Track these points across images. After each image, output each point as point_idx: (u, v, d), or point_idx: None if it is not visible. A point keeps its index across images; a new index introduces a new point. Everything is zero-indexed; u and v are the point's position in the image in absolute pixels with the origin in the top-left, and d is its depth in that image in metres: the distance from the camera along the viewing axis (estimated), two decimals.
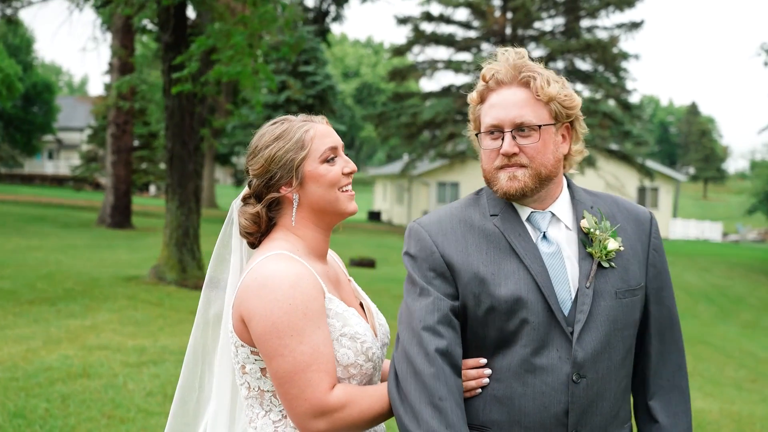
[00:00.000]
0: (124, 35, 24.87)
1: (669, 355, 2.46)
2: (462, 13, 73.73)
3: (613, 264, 2.36)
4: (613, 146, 32.77)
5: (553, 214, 2.41)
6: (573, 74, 32.91)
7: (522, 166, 2.33)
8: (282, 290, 2.26)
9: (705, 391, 9.85)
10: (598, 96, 33.02)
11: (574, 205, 2.44)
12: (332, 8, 43.35)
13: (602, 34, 33.51)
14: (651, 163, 37.43)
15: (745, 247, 44.38)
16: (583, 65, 33.32)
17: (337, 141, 2.48)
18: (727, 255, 34.98)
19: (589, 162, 30.56)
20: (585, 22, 34.04)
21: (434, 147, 34.44)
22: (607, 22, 76.79)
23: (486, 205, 2.46)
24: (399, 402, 2.27)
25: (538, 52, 34.04)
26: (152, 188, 59.62)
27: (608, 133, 31.50)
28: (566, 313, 2.31)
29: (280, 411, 2.38)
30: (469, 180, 39.88)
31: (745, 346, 14.55)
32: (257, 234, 2.48)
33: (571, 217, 2.43)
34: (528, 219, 2.41)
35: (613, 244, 2.36)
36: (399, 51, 35.92)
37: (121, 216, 25.97)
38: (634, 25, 33.11)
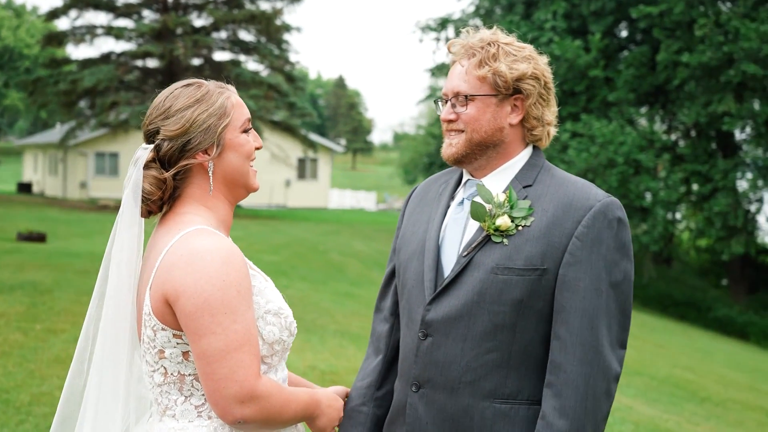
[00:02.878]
0: None
1: (572, 347, 2.38)
2: None
3: (505, 240, 2.44)
4: (276, 117, 33.47)
5: (483, 187, 2.55)
6: (237, 45, 32.93)
7: (459, 131, 2.53)
8: (214, 266, 2.17)
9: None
10: (263, 68, 33.36)
11: (512, 181, 2.56)
12: None
13: (265, 6, 33.85)
14: (312, 135, 38.66)
15: (388, 214, 47.54)
16: (247, 36, 33.45)
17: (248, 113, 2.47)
18: (385, 223, 37.29)
19: (258, 134, 30.78)
20: None
21: (96, 116, 32.80)
22: None
23: (452, 171, 2.73)
24: None
25: (201, 21, 33.71)
26: None
27: (273, 105, 32.00)
28: (444, 276, 2.51)
29: (202, 395, 2.28)
30: (130, 150, 38.42)
31: None
32: (158, 203, 2.33)
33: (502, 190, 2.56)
34: (466, 185, 2.62)
35: (503, 222, 2.44)
36: (54, 14, 33.54)
37: None
38: None
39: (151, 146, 2.32)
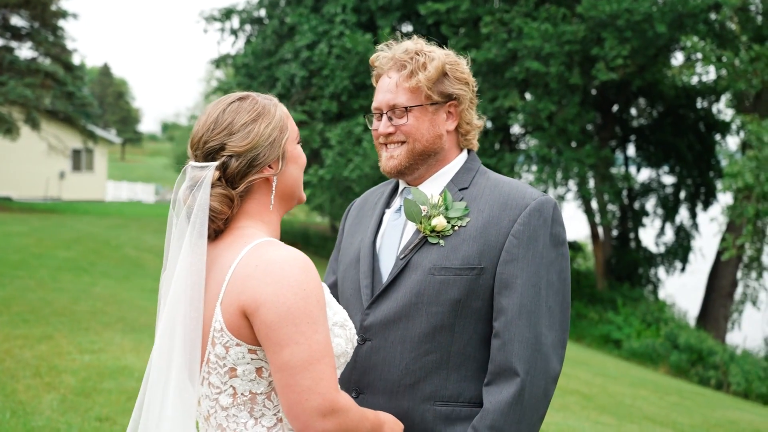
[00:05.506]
0: None
1: (509, 345, 2.38)
2: None
3: (442, 242, 2.46)
4: (49, 106, 31.70)
5: (418, 190, 2.59)
6: (8, 30, 30.82)
7: (401, 142, 2.56)
8: (294, 276, 2.11)
9: None
10: (37, 55, 31.45)
11: (448, 184, 2.59)
12: None
13: None
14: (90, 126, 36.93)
15: (167, 206, 46.22)
16: (20, 22, 31.38)
17: None
18: (167, 215, 36.27)
19: (33, 124, 29.09)
20: None
21: None
22: None
23: (388, 182, 2.78)
24: None
25: None
26: None
27: (51, 94, 30.29)
28: (383, 281, 2.54)
29: (274, 415, 2.19)
30: None
31: None
32: (225, 220, 2.26)
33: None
34: (402, 193, 2.66)
35: (438, 222, 2.46)
36: None
37: None
38: None
39: (215, 164, 2.23)
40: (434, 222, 2.47)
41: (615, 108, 27.75)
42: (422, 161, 2.57)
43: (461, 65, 2.60)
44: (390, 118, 2.56)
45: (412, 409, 2.45)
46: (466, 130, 2.62)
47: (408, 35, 2.71)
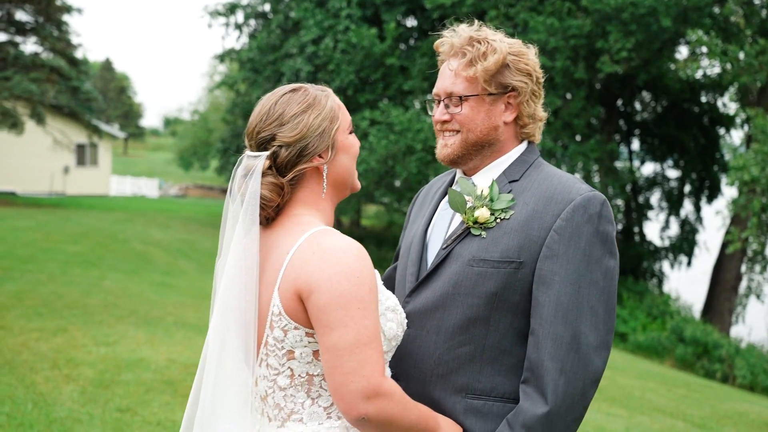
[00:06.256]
0: None
1: (543, 342, 2.34)
2: None
3: (484, 233, 2.43)
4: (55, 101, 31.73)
5: (471, 181, 2.58)
6: (13, 25, 30.83)
7: (456, 131, 2.53)
8: (348, 263, 2.18)
9: None
10: (42, 50, 31.47)
11: (499, 176, 2.56)
12: None
13: None
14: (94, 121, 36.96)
15: (171, 201, 46.50)
16: (24, 16, 31.39)
17: None
18: (171, 210, 36.43)
19: (39, 119, 29.13)
20: None
21: None
22: None
23: (451, 171, 2.75)
24: None
25: None
26: None
27: (56, 89, 30.32)
28: (426, 270, 2.54)
29: (330, 395, 2.27)
30: None
31: None
32: (275, 208, 2.34)
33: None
34: (457, 183, 2.64)
35: (481, 213, 2.44)
36: None
37: None
38: None
39: (266, 153, 2.32)
40: (477, 213, 2.45)
41: (619, 102, 27.79)
42: (476, 152, 2.54)
43: (526, 56, 2.53)
44: (447, 106, 2.53)
45: (443, 399, 2.44)
46: (525, 123, 2.55)
47: (471, 20, 2.65)
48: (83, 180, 42.28)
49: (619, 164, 27.04)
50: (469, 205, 2.50)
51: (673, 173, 30.16)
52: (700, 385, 14.90)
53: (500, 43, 2.49)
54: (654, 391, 12.25)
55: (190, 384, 7.68)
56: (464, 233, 2.47)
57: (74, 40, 32.80)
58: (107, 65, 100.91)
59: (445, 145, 2.55)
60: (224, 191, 57.75)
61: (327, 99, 2.38)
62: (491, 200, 2.46)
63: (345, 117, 2.42)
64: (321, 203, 2.39)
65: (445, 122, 2.54)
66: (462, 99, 2.49)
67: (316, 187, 2.38)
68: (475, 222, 2.45)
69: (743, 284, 23.62)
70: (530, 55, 2.54)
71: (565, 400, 2.30)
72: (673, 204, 29.09)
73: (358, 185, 2.51)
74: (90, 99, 31.62)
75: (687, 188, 29.51)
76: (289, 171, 2.33)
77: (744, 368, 18.18)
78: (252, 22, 31.04)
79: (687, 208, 29.41)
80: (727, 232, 21.24)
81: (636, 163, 30.09)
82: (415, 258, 2.59)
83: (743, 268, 23.65)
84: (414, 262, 2.58)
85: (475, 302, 2.40)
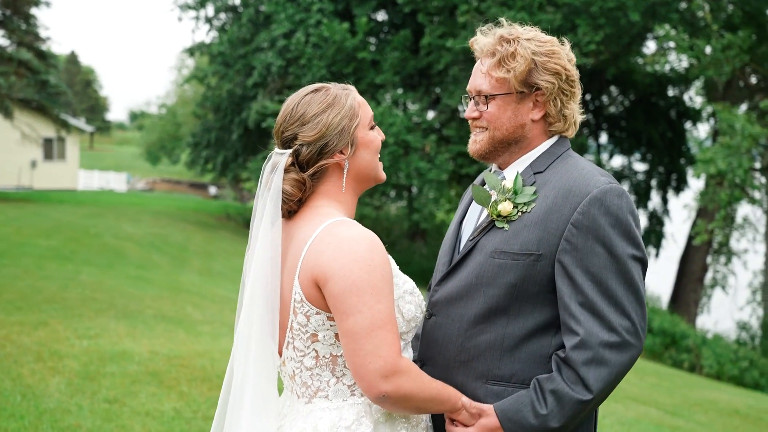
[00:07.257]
0: None
1: (567, 332, 2.43)
2: None
3: (506, 226, 2.51)
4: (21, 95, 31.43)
5: (503, 175, 2.66)
6: None
7: (484, 128, 2.62)
8: (360, 252, 2.32)
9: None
10: (9, 43, 31.13)
11: (525, 168, 2.62)
12: None
13: None
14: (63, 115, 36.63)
15: (139, 195, 46.25)
16: None
17: None
18: (141, 204, 36.25)
19: (6, 113, 28.84)
20: None
21: None
22: None
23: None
24: None
25: None
26: None
27: (24, 82, 30.05)
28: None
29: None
30: None
31: (214, 291, 15.55)
32: (297, 202, 2.49)
33: None
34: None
35: (503, 207, 2.52)
36: None
37: None
38: None
39: (289, 151, 2.48)
40: (500, 207, 2.53)
41: (588, 97, 28.10)
42: (503, 148, 2.62)
43: (556, 55, 2.56)
44: (477, 103, 2.61)
45: (465, 384, 2.53)
46: (553, 120, 2.60)
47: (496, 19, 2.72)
48: (51, 174, 41.88)
49: (588, 158, 27.34)
50: (493, 198, 2.59)
51: (640, 166, 30.60)
52: (670, 374, 15.22)
53: (528, 42, 2.55)
54: (626, 380, 12.48)
55: (175, 376, 7.77)
56: (489, 226, 2.56)
57: (42, 33, 32.43)
58: (72, 58, 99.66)
59: (474, 141, 2.65)
60: (192, 185, 57.56)
61: (347, 97, 2.51)
62: (515, 193, 2.54)
63: (366, 113, 2.54)
64: (342, 195, 2.53)
65: (474, 119, 2.63)
66: (489, 98, 2.57)
67: (337, 180, 2.52)
68: (499, 215, 2.54)
69: (709, 275, 24.05)
70: (561, 54, 2.57)
71: (603, 389, 2.38)
72: (641, 197, 29.50)
73: (383, 176, 2.62)
74: (58, 93, 31.38)
75: (654, 181, 29.94)
76: (310, 167, 2.48)
77: (711, 358, 18.57)
78: (222, 15, 30.94)
79: (655, 200, 29.85)
80: (694, 225, 21.62)
81: (604, 156, 30.45)
82: (448, 249, 2.71)
83: (709, 259, 24.09)
84: (446, 253, 2.70)
85: (496, 293, 2.48)
